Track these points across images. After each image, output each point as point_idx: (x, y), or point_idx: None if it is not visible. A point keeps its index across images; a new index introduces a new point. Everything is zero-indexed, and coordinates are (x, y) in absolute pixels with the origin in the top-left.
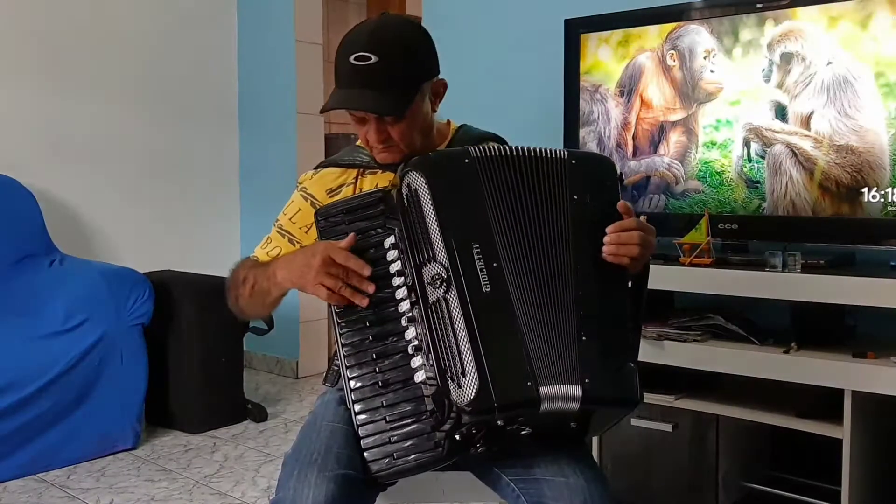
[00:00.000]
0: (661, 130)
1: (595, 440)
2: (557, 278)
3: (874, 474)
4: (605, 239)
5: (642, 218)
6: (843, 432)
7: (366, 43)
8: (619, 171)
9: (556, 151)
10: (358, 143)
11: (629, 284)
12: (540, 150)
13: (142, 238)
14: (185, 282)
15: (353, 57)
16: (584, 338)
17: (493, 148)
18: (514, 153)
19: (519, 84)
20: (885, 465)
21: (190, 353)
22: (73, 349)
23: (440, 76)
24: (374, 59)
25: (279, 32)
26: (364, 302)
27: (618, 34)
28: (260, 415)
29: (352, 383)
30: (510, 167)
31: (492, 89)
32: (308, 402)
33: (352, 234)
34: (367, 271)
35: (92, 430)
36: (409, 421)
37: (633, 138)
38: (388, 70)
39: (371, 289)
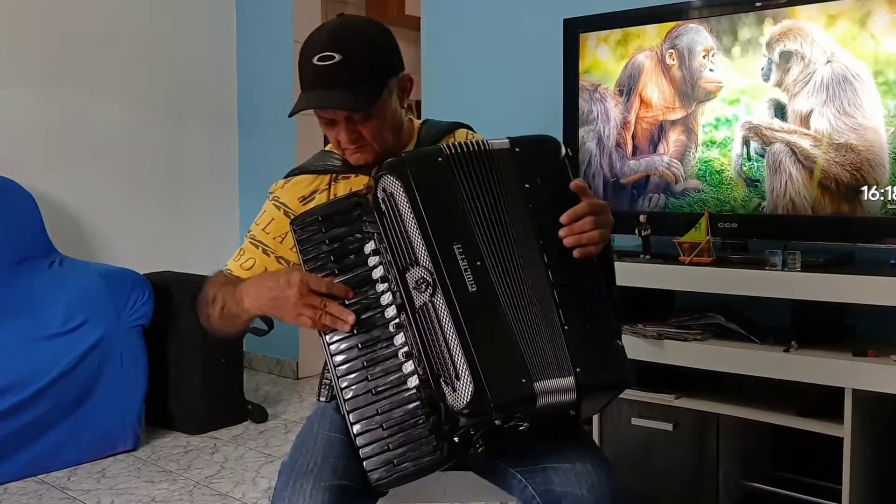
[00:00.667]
0: (661, 129)
1: (596, 439)
2: (531, 270)
3: (875, 473)
4: (562, 232)
5: (642, 218)
6: (843, 431)
7: (327, 43)
8: (564, 149)
9: (500, 141)
10: (328, 147)
11: (596, 261)
12: (487, 141)
13: (141, 239)
14: (184, 282)
15: (316, 58)
16: (566, 326)
17: (463, 144)
18: (481, 147)
19: (518, 84)
20: (886, 464)
21: (190, 353)
22: (72, 351)
23: (405, 72)
24: (337, 57)
25: (278, 33)
26: (346, 326)
27: (617, 33)
28: (260, 415)
29: (345, 393)
30: (479, 162)
31: (491, 89)
32: (308, 402)
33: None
34: (350, 294)
35: (92, 431)
36: (406, 426)
37: (633, 137)
38: (352, 67)
39: (351, 319)
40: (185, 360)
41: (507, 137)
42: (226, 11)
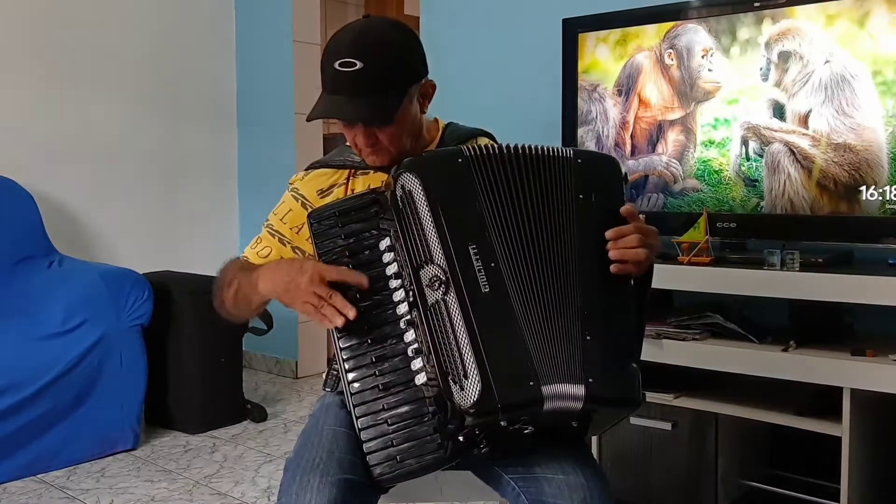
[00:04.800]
0: (660, 129)
1: (595, 439)
2: (561, 278)
3: (873, 472)
4: (609, 246)
5: (642, 217)
6: (842, 430)
7: (350, 48)
8: (623, 171)
9: (560, 150)
10: (348, 143)
11: (632, 284)
12: (542, 148)
13: (141, 239)
14: (184, 282)
15: (337, 63)
16: (588, 337)
17: (486, 146)
18: (509, 151)
19: (517, 83)
20: (885, 463)
21: (189, 353)
22: (72, 350)
23: (429, 76)
24: (358, 64)
25: (277, 32)
26: (339, 322)
27: (616, 33)
28: (259, 415)
29: (352, 387)
30: (505, 165)
31: (490, 89)
32: (308, 402)
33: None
34: (363, 280)
35: (91, 431)
36: (411, 423)
37: (632, 137)
38: (373, 76)
39: (352, 314)
40: (184, 360)
41: (571, 147)
42: (226, 11)
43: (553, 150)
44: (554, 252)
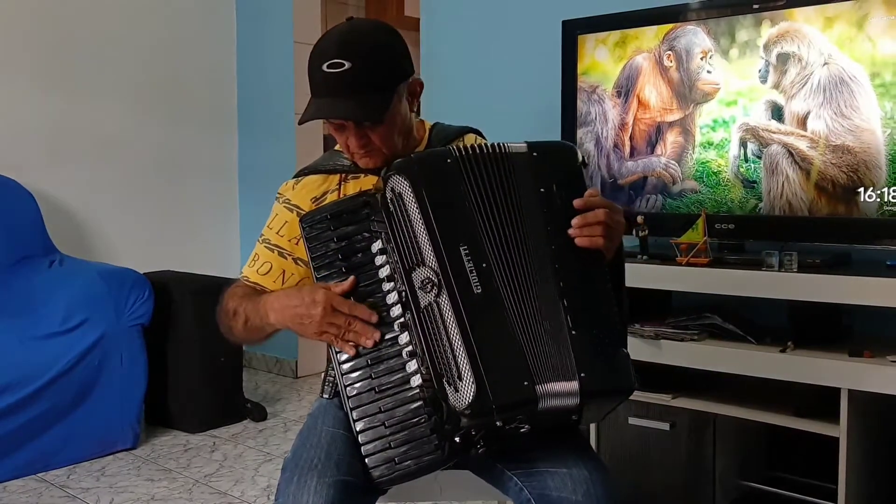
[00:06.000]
0: (658, 131)
1: (593, 439)
2: (540, 273)
3: (871, 473)
4: (573, 222)
5: (640, 219)
6: (839, 431)
7: (337, 49)
8: (581, 157)
9: (518, 145)
10: (337, 147)
11: (607, 270)
12: (506, 145)
13: (141, 238)
14: (184, 282)
15: (325, 65)
16: (573, 331)
17: (472, 146)
18: (490, 150)
19: (516, 85)
20: (882, 464)
21: (189, 352)
22: (72, 349)
23: (415, 76)
24: (346, 65)
25: (278, 33)
26: (369, 343)
27: (615, 35)
28: (259, 414)
29: (348, 390)
30: (488, 165)
31: (489, 90)
32: (307, 401)
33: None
34: (374, 318)
35: (92, 430)
36: (408, 425)
37: (631, 139)
38: (361, 75)
39: (377, 336)
40: (184, 359)
41: (525, 141)
42: (226, 11)
43: (512, 146)
44: (530, 248)
